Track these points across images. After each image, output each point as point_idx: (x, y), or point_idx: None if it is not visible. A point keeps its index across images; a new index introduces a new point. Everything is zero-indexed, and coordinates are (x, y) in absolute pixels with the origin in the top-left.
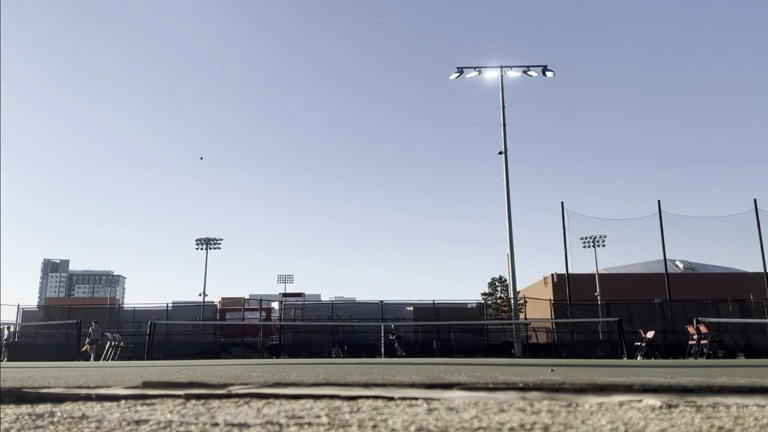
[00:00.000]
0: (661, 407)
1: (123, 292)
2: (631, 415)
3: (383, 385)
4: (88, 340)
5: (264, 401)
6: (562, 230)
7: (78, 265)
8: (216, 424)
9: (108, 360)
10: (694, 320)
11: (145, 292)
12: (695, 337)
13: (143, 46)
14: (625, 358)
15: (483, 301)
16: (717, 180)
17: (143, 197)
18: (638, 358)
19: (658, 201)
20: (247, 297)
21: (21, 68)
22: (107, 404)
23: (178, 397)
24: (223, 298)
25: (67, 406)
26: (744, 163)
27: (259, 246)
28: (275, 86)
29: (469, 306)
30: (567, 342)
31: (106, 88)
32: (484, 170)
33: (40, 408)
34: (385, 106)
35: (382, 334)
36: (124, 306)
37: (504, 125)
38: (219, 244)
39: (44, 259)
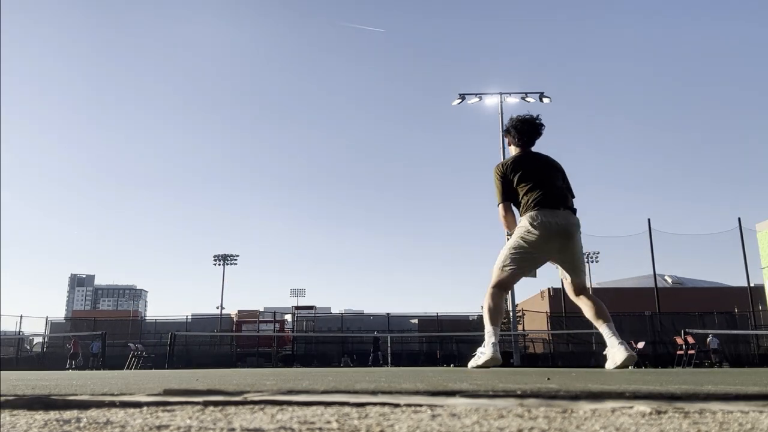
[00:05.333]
0: (651, 413)
1: (145, 305)
2: (623, 421)
3: (390, 393)
4: None
5: (278, 407)
6: None
7: (103, 279)
8: (233, 429)
9: (131, 369)
10: (682, 331)
11: (166, 305)
12: (683, 347)
13: (167, 70)
14: None
15: None
16: (704, 200)
17: (164, 216)
18: (629, 367)
19: (648, 219)
20: (261, 310)
21: (53, 87)
22: (130, 410)
23: (197, 403)
24: (239, 311)
25: (93, 413)
26: (730, 184)
27: (273, 262)
28: (289, 111)
29: (470, 318)
30: (562, 352)
31: (129, 112)
32: (486, 190)
33: (67, 414)
34: (392, 130)
35: (389, 345)
36: (146, 318)
37: (503, 149)
38: (235, 260)
39: (71, 274)
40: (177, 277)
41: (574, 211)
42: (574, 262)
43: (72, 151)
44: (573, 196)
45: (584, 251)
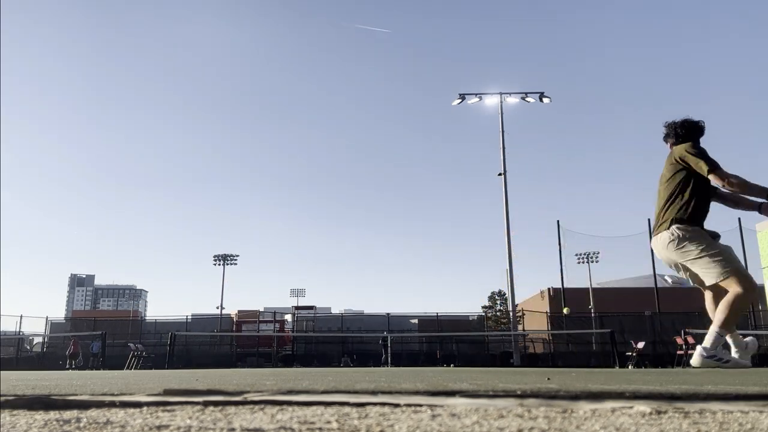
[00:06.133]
0: (651, 413)
1: (145, 305)
2: (623, 421)
3: (390, 393)
4: None
5: (278, 407)
6: (558, 247)
7: (103, 279)
8: (233, 429)
9: (131, 369)
10: (682, 331)
11: (166, 305)
12: (683, 347)
13: (167, 70)
14: (617, 367)
15: (483, 314)
16: None
17: (164, 216)
18: (629, 367)
19: (648, 219)
20: (261, 310)
21: (51, 87)
22: (130, 410)
23: (197, 403)
24: (239, 311)
25: (93, 413)
26: None
27: (273, 262)
28: (289, 111)
29: (470, 318)
30: (562, 352)
31: (129, 112)
32: (485, 190)
33: (67, 414)
34: (392, 130)
35: (389, 345)
36: (146, 318)
37: (503, 148)
38: (235, 260)
39: (71, 274)
40: (177, 277)
41: (667, 224)
42: (689, 272)
43: (72, 151)
44: (676, 198)
45: (584, 251)
